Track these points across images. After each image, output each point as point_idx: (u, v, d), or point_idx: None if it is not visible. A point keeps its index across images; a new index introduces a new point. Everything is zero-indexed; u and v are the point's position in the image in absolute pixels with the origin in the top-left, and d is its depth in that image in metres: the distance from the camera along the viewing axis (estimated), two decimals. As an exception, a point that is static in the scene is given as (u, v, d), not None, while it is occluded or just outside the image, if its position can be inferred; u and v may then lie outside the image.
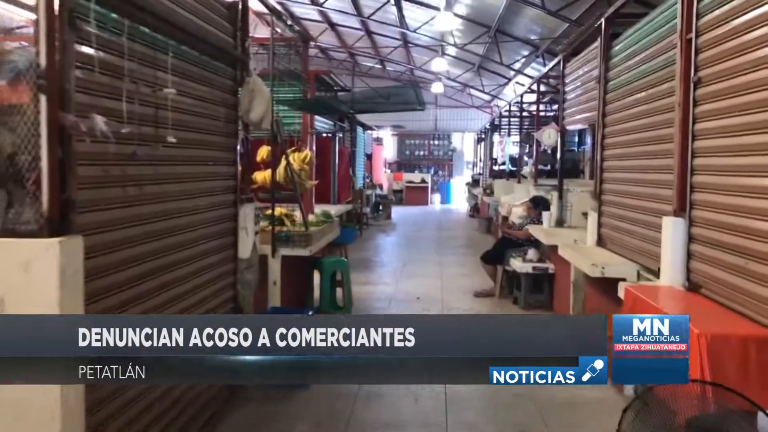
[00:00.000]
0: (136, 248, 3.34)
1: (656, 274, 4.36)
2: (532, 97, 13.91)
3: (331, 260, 6.53)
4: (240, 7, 4.75)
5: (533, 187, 9.50)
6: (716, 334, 2.79)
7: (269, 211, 6.64)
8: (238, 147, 4.81)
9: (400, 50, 22.21)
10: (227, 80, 4.62)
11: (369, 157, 20.66)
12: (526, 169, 12.54)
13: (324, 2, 16.09)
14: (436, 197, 28.43)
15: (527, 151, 15.24)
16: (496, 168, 17.80)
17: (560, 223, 7.59)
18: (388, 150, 28.70)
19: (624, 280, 4.70)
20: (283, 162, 6.34)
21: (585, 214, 7.52)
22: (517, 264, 7.68)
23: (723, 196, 3.38)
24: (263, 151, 6.79)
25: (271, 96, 4.97)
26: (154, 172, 3.43)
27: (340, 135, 16.19)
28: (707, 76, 3.54)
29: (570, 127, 7.28)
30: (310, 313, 5.38)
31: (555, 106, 19.01)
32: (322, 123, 11.18)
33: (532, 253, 7.75)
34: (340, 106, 8.72)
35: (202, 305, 4.26)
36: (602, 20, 5.71)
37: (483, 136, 23.63)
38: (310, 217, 7.10)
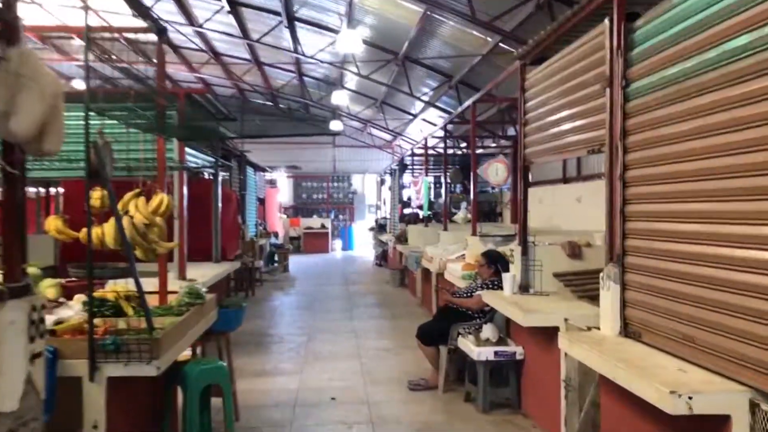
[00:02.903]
0: None
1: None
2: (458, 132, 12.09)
3: (202, 368, 4.11)
4: None
5: (476, 237, 7.45)
6: None
7: (106, 292, 4.23)
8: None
9: (294, 85, 20.08)
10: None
11: (262, 201, 18.23)
12: (460, 214, 10.57)
13: (204, 23, 13.72)
14: (338, 244, 26.20)
15: (454, 191, 13.36)
16: (408, 212, 15.82)
17: (525, 288, 5.54)
18: (284, 193, 26.25)
19: (727, 418, 2.62)
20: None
21: (558, 276, 5.55)
22: (470, 347, 5.53)
23: None
24: (97, 196, 4.29)
25: (61, 94, 2.59)
26: None
27: (227, 176, 13.78)
28: None
29: (540, 159, 5.31)
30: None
31: (463, 144, 17.42)
32: (201, 161, 8.76)
33: (488, 329, 5.64)
34: (216, 128, 6.35)
35: None
36: (613, -8, 3.77)
37: (385, 178, 21.80)
38: (172, 296, 4.65)
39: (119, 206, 4.12)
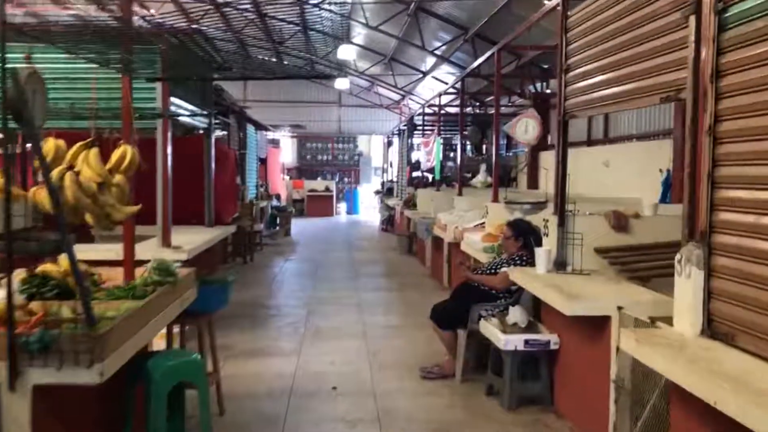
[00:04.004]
0: None
1: None
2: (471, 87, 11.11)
3: (170, 364, 3.30)
4: None
5: (498, 204, 6.58)
6: None
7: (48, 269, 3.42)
8: None
9: (299, 39, 18.99)
10: None
11: (263, 161, 17.36)
12: (479, 178, 9.67)
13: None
14: (342, 207, 25.36)
15: (471, 152, 12.39)
16: (417, 174, 14.93)
17: (562, 265, 4.71)
18: (287, 154, 25.33)
19: None
20: (63, 172, 3.07)
21: (601, 252, 4.71)
22: (496, 334, 4.71)
23: None
24: (49, 147, 3.42)
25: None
26: None
27: (224, 133, 12.92)
28: None
29: (586, 112, 4.44)
30: None
31: (477, 104, 16.39)
32: (193, 119, 7.89)
33: (516, 312, 4.82)
34: (201, 70, 5.43)
35: None
36: None
37: (392, 139, 20.88)
38: (139, 273, 3.81)
39: (66, 159, 3.29)
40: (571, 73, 4.59)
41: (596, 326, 3.98)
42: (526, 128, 5.83)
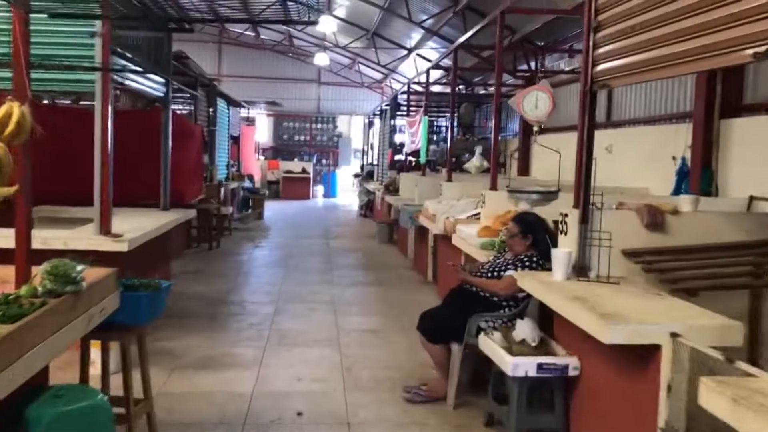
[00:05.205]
0: None
1: None
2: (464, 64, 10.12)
3: (59, 411, 2.33)
4: None
5: (498, 192, 5.65)
6: None
7: None
8: None
9: (276, 9, 17.86)
10: None
11: (236, 140, 16.29)
12: (474, 162, 8.73)
13: None
14: (320, 190, 24.32)
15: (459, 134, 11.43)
16: (399, 158, 13.96)
17: (583, 270, 3.82)
18: (262, 133, 24.16)
19: None
20: None
21: (632, 255, 3.83)
22: (501, 355, 3.80)
23: None
24: None
25: None
26: None
27: (190, 107, 11.87)
28: None
29: (627, 80, 3.55)
30: None
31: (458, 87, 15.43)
32: (148, 85, 6.90)
33: (525, 327, 3.92)
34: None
35: None
36: None
37: (373, 120, 19.90)
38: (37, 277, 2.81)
39: None
40: (604, 32, 3.67)
41: (636, 353, 3.08)
42: (535, 102, 4.90)
